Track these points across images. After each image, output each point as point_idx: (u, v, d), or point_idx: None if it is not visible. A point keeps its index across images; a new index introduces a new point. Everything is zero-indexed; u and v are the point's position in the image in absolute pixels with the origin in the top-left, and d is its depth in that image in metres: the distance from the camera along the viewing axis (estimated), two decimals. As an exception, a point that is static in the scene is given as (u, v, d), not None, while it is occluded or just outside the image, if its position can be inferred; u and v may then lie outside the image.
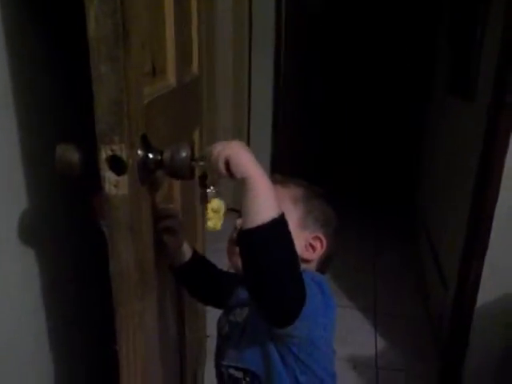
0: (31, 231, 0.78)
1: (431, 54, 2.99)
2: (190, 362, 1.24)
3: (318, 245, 0.81)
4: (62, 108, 0.87)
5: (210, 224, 0.70)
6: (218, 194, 0.70)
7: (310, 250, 0.81)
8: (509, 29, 1.37)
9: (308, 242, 0.81)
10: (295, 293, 0.63)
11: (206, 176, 0.68)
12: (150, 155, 0.60)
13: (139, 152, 0.59)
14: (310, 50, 3.18)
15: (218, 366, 0.86)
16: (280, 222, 0.62)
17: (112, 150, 0.54)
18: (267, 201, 0.62)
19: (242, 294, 0.84)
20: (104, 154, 0.54)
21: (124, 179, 0.56)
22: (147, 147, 0.60)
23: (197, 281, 0.95)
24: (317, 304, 0.70)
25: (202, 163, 0.63)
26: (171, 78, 0.87)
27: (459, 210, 1.69)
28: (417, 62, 3.51)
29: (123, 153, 0.55)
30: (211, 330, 1.08)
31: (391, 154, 3.73)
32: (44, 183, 0.80)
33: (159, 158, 0.61)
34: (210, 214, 0.70)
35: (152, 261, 0.66)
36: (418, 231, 2.73)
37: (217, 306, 0.96)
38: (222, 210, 0.71)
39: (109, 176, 0.55)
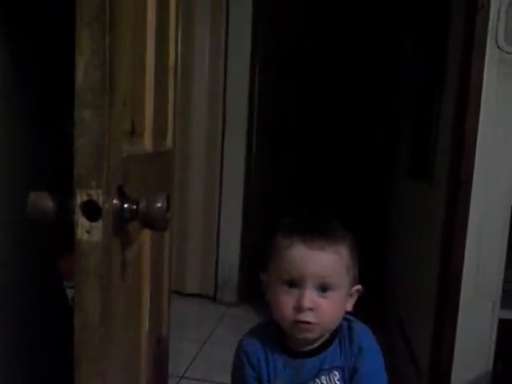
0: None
1: (395, 139, 3.20)
2: None
3: (355, 294, 0.85)
4: (34, 158, 0.87)
5: None
6: None
7: (351, 300, 0.85)
8: (458, 119, 1.51)
9: (352, 295, 0.84)
10: None
11: None
12: (126, 205, 0.61)
13: (115, 201, 0.59)
14: (279, 134, 3.37)
15: None
16: None
17: (88, 195, 0.54)
18: None
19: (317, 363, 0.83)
20: (79, 198, 0.54)
21: (98, 225, 0.55)
22: (123, 196, 0.61)
23: None
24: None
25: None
26: (148, 144, 0.90)
27: (426, 291, 1.71)
28: (383, 145, 3.76)
29: (99, 198, 0.55)
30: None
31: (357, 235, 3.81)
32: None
33: (135, 207, 0.61)
34: None
35: (121, 315, 0.63)
36: (387, 312, 2.71)
37: None
38: None
39: (82, 221, 0.55)
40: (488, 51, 1.28)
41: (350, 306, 0.85)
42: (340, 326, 0.85)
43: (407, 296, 2.23)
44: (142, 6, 0.79)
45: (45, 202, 0.59)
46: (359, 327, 0.86)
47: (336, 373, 0.82)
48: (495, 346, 1.42)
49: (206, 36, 2.71)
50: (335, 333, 0.85)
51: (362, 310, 2.80)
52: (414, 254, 2.11)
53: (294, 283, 0.79)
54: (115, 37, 0.56)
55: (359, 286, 0.85)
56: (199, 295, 2.91)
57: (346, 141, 4.12)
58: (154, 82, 0.93)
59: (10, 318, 0.82)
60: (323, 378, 0.82)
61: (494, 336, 1.40)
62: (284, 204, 3.70)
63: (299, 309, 0.79)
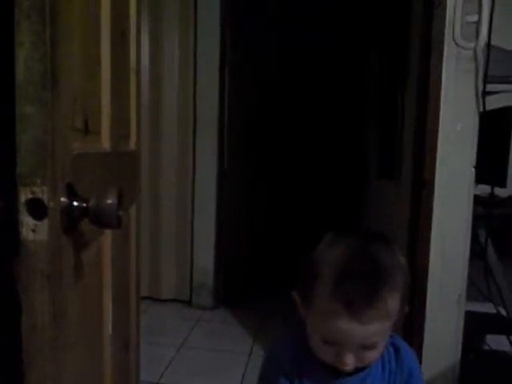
0: None
1: (365, 140, 3.24)
2: None
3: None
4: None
5: None
6: None
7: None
8: (419, 118, 1.54)
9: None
10: None
11: None
12: (75, 203, 0.59)
13: (63, 199, 0.57)
14: (251, 135, 3.37)
15: None
16: None
17: (32, 193, 0.53)
18: None
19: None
20: (23, 196, 0.53)
21: (44, 224, 0.53)
22: (72, 194, 0.59)
23: None
24: None
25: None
26: (105, 142, 0.88)
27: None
28: (352, 146, 3.81)
29: (44, 196, 0.53)
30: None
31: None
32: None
33: (84, 205, 0.59)
34: None
35: (77, 317, 0.62)
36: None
37: None
38: None
39: (27, 220, 0.53)
40: (446, 48, 1.31)
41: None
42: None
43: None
44: (93, 1, 0.77)
45: (-11, 201, 0.57)
46: (405, 349, 0.81)
47: None
48: (463, 337, 1.45)
49: (175, 38, 2.70)
50: None
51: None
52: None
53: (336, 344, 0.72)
54: (59, 30, 0.54)
55: (407, 308, 0.76)
56: (175, 300, 2.88)
57: (320, 141, 4.17)
58: (112, 81, 0.91)
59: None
60: None
61: (461, 328, 1.43)
62: (259, 204, 3.70)
63: (340, 362, 0.72)
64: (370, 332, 0.69)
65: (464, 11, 1.29)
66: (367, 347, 0.71)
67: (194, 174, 2.76)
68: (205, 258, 2.84)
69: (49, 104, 0.52)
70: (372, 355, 0.73)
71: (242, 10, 2.98)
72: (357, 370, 0.75)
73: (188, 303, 2.86)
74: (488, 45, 1.29)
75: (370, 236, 0.75)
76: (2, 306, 0.57)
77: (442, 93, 1.34)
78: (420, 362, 1.43)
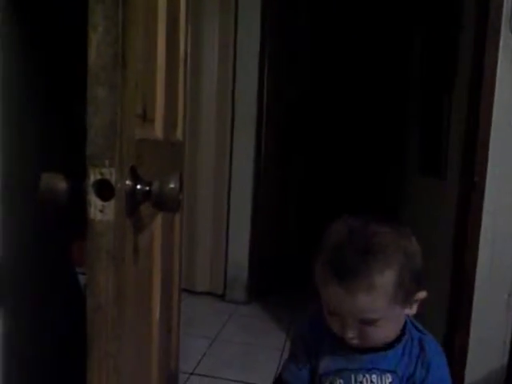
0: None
1: (403, 138, 3.18)
2: None
3: (419, 302, 0.78)
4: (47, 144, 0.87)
5: None
6: None
7: (413, 307, 0.78)
8: (471, 118, 1.48)
9: (411, 306, 0.77)
10: None
11: None
12: (139, 186, 0.60)
13: (128, 181, 0.58)
14: (288, 134, 3.36)
15: None
16: None
17: (101, 174, 0.54)
18: None
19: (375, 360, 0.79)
20: (92, 177, 0.54)
21: (111, 205, 0.55)
22: (136, 178, 0.60)
23: None
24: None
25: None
26: (158, 131, 0.89)
27: (440, 288, 1.69)
28: (390, 145, 3.73)
29: (112, 177, 0.54)
30: None
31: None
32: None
33: (147, 188, 0.60)
34: None
35: (133, 300, 0.63)
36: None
37: None
38: None
39: (95, 200, 0.54)
40: (502, 40, 1.26)
41: (412, 312, 0.78)
42: (409, 334, 0.80)
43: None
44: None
45: (57, 182, 0.59)
46: (432, 345, 0.80)
47: (389, 375, 0.78)
48: (511, 337, 1.40)
49: (215, 33, 2.71)
50: (400, 337, 0.79)
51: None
52: (427, 249, 2.09)
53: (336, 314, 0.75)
54: (129, 14, 0.55)
55: (423, 294, 0.77)
56: (209, 293, 2.90)
57: (356, 138, 4.11)
58: (166, 69, 0.93)
59: (23, 304, 0.82)
60: (374, 376, 0.78)
61: (510, 329, 1.38)
62: (293, 200, 3.69)
63: (343, 334, 0.75)
64: (359, 304, 0.70)
65: (522, 2, 1.24)
66: (366, 323, 0.73)
67: (230, 171, 2.78)
68: (239, 253, 2.85)
69: (119, 88, 0.54)
70: (375, 334, 0.74)
71: (282, 4, 2.97)
72: (376, 350, 0.77)
73: (221, 297, 2.89)
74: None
75: (377, 218, 0.77)
76: (67, 291, 0.58)
77: (497, 87, 1.29)
78: (464, 364, 1.39)
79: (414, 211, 2.57)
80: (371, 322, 0.73)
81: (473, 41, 1.34)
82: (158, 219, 0.88)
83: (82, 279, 0.79)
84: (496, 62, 1.25)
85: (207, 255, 2.90)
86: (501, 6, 1.22)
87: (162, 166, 0.89)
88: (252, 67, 2.68)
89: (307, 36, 3.66)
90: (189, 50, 2.63)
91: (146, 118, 0.76)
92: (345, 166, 4.14)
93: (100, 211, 0.54)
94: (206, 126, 2.78)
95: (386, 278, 0.71)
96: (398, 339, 0.79)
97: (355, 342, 0.75)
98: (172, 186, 0.60)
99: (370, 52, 4.03)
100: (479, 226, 1.38)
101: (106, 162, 0.54)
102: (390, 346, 0.79)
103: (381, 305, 0.71)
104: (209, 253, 2.90)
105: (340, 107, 4.14)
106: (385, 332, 0.76)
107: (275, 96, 2.92)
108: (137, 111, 0.69)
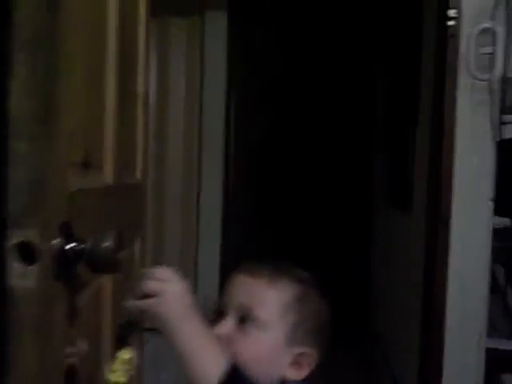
0: None
1: (371, 168, 3.21)
2: None
3: (305, 363, 0.68)
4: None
5: (113, 378, 0.62)
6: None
7: (297, 367, 0.68)
8: (434, 151, 1.49)
9: (294, 359, 0.68)
10: None
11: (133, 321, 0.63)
12: (70, 245, 0.54)
13: (56, 240, 0.53)
14: (258, 171, 3.34)
15: None
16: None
17: (23, 236, 0.48)
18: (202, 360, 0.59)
19: None
20: (13, 239, 0.48)
21: (33, 269, 0.49)
22: (67, 236, 0.54)
23: None
24: None
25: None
26: (107, 176, 0.84)
27: (412, 328, 1.66)
28: (358, 174, 3.76)
29: (36, 239, 0.49)
30: None
31: (340, 280, 3.70)
32: None
33: (81, 247, 0.55)
34: (116, 365, 0.62)
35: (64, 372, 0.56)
36: (374, 358, 2.63)
37: None
38: (132, 363, 0.63)
39: (16, 265, 0.48)
40: (460, 79, 1.28)
41: (294, 374, 0.68)
42: None
43: (393, 334, 2.16)
44: (98, 25, 0.74)
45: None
46: None
47: None
48: (483, 378, 1.36)
49: (181, 65, 2.70)
50: None
51: (349, 349, 2.71)
52: (401, 286, 2.06)
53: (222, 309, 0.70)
54: (57, 61, 0.51)
55: (312, 354, 0.68)
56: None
57: (324, 166, 4.13)
58: (117, 109, 0.88)
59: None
60: None
61: (482, 370, 1.35)
62: (265, 239, 3.64)
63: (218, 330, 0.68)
64: (251, 288, 0.68)
65: (478, 42, 1.27)
66: (245, 321, 0.67)
67: (198, 203, 2.72)
68: (209, 289, 2.77)
69: (43, 140, 0.49)
70: (243, 343, 0.66)
71: (250, 32, 3.00)
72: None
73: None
74: (504, 76, 1.26)
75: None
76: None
77: (457, 126, 1.29)
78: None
79: (384, 243, 2.56)
80: (250, 322, 0.66)
81: (432, 80, 1.36)
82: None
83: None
84: (455, 100, 1.27)
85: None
86: (457, 47, 1.24)
87: (111, 214, 0.83)
88: (219, 95, 2.67)
89: (277, 67, 3.70)
90: (152, 85, 2.59)
91: (88, 165, 0.70)
92: (316, 190, 4.15)
93: (21, 277, 0.48)
94: (173, 160, 2.73)
95: (289, 287, 0.69)
96: None
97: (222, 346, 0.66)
98: (107, 244, 0.54)
99: (339, 78, 4.11)
100: (447, 262, 1.36)
101: (29, 222, 0.48)
102: None
103: (270, 304, 0.67)
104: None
105: (308, 138, 4.18)
106: (252, 347, 0.67)
107: (245, 124, 2.91)
108: (75, 160, 0.64)
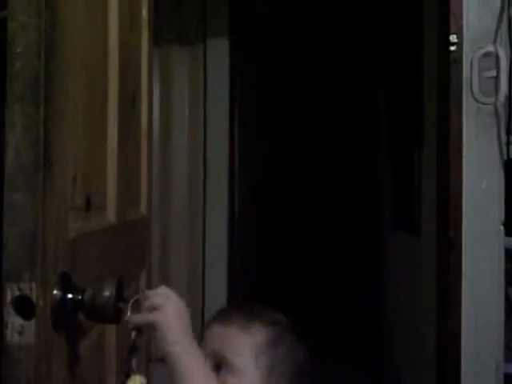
0: None
1: (375, 190, 3.18)
2: None
3: None
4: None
5: None
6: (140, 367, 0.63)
7: None
8: (441, 175, 1.46)
9: None
10: None
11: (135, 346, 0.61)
12: (69, 295, 0.53)
13: (55, 292, 0.51)
14: (262, 188, 3.33)
15: None
16: None
17: (20, 290, 0.47)
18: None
19: None
20: (10, 293, 0.47)
21: (31, 324, 0.47)
22: (67, 286, 0.53)
23: None
24: None
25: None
26: (110, 215, 0.83)
27: (426, 353, 1.61)
28: (363, 195, 3.74)
29: (33, 293, 0.47)
30: None
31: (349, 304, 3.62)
32: None
33: (80, 297, 0.53)
34: None
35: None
36: (385, 376, 2.56)
37: None
38: None
39: (13, 321, 0.47)
40: (465, 104, 1.26)
41: None
42: None
43: (406, 359, 2.10)
44: (99, 61, 0.74)
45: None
46: None
47: None
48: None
49: (184, 92, 2.73)
50: None
51: (360, 372, 2.62)
52: (409, 309, 2.02)
53: None
54: (54, 110, 0.50)
55: None
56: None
57: (329, 186, 4.12)
58: (120, 149, 0.88)
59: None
60: None
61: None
62: (273, 268, 3.60)
63: None
64: (223, 334, 0.68)
65: (481, 66, 1.26)
66: (221, 368, 0.65)
67: (204, 234, 2.71)
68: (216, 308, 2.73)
69: (40, 190, 0.48)
70: None
71: (251, 57, 3.03)
72: None
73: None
74: (509, 98, 1.25)
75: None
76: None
77: (464, 151, 1.28)
78: None
79: (394, 266, 2.52)
80: (225, 368, 0.65)
81: (435, 105, 1.36)
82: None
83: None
84: (461, 125, 1.25)
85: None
86: (460, 72, 1.23)
87: (115, 254, 0.82)
88: (223, 122, 2.68)
89: (280, 85, 3.72)
90: (156, 119, 2.60)
91: (90, 206, 0.69)
92: (322, 213, 4.12)
93: (19, 333, 0.47)
94: (177, 193, 2.72)
95: (261, 330, 0.68)
96: None
97: None
98: (107, 293, 0.53)
99: (339, 105, 4.13)
100: (459, 288, 1.32)
101: (26, 276, 0.47)
102: None
103: (242, 348, 0.66)
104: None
105: (313, 157, 4.18)
106: None
107: (248, 155, 2.92)
108: (76, 205, 0.63)
